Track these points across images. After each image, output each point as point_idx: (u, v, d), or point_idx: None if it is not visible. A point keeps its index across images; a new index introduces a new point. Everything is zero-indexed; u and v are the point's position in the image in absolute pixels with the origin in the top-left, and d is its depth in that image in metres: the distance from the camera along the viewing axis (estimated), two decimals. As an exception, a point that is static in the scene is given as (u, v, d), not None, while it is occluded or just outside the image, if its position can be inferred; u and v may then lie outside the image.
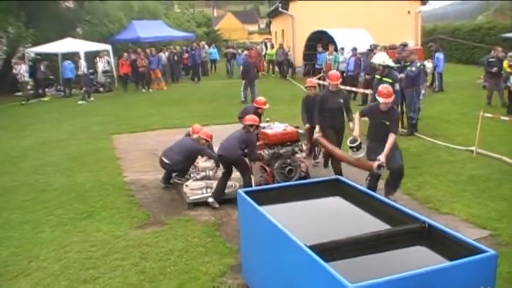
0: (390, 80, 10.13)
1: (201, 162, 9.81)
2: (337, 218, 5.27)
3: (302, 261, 3.96)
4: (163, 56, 27.72)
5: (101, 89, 25.52)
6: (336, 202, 5.60)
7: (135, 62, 25.14)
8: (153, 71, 25.50)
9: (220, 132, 10.31)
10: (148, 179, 10.10)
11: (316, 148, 10.63)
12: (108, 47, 27.37)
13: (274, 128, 9.54)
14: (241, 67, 22.60)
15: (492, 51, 18.74)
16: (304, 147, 9.71)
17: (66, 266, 6.50)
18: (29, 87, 24.29)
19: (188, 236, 7.29)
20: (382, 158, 7.30)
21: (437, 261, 3.92)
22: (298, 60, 28.38)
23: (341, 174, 8.77)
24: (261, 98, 10.47)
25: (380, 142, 7.52)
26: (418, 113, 13.02)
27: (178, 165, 9.28)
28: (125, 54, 26.05)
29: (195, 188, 8.84)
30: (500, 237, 6.86)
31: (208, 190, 8.73)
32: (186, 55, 29.80)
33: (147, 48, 26.64)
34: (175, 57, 28.66)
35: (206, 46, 33.16)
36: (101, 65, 26.39)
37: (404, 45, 16.43)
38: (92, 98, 22.54)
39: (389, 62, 10.83)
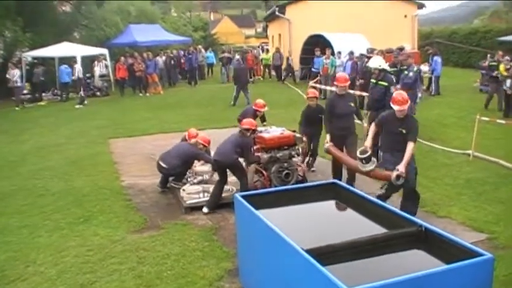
0: (386, 84, 10.13)
1: (198, 166, 9.81)
2: (334, 221, 5.29)
3: (299, 265, 3.97)
4: (160, 60, 27.74)
5: (98, 93, 25.56)
6: (332, 206, 5.63)
7: (132, 66, 25.14)
8: (150, 75, 25.51)
9: (217, 136, 10.32)
10: (146, 183, 10.10)
11: (310, 158, 10.49)
12: (105, 51, 27.39)
13: (271, 132, 9.53)
14: (233, 72, 22.64)
15: (488, 55, 18.85)
16: (301, 151, 9.70)
17: (63, 271, 6.48)
18: (25, 91, 24.30)
19: (185, 240, 7.28)
20: (401, 168, 6.86)
21: (434, 264, 3.94)
22: (295, 64, 28.37)
23: (353, 181, 8.79)
24: (260, 101, 10.48)
25: (397, 151, 7.12)
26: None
27: (176, 169, 9.28)
28: (122, 58, 26.02)
29: (192, 192, 8.83)
30: (497, 241, 6.87)
31: (205, 194, 8.71)
32: (182, 60, 29.80)
33: (144, 52, 26.70)
34: (172, 62, 28.67)
35: (203, 50, 33.19)
36: (98, 69, 26.37)
37: (401, 49, 16.45)
38: (85, 102, 22.42)
39: (385, 66, 10.84)
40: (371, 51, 19.73)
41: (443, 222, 7.48)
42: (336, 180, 6.02)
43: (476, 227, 7.35)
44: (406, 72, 12.77)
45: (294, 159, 9.35)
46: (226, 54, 30.59)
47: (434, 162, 10.82)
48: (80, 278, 6.27)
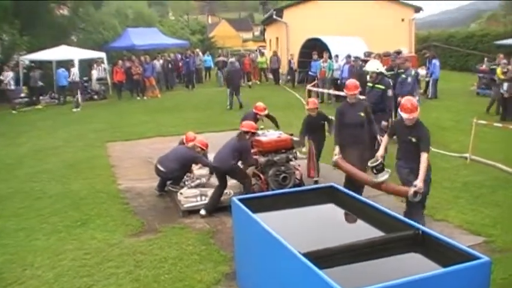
0: (382, 87, 10.14)
1: (196, 170, 9.81)
2: (331, 225, 5.28)
3: (296, 269, 3.97)
4: (158, 63, 27.74)
5: (95, 97, 25.49)
6: (330, 209, 5.62)
7: (129, 69, 25.14)
8: (148, 79, 25.49)
9: (215, 140, 10.32)
10: (143, 186, 10.09)
11: (312, 171, 10.07)
12: (103, 54, 27.38)
13: (269, 135, 9.53)
14: (225, 75, 22.66)
15: (486, 59, 18.92)
16: (299, 155, 9.68)
17: (61, 274, 6.47)
18: (23, 94, 24.26)
19: (182, 243, 7.28)
20: (418, 183, 6.47)
21: (431, 268, 3.93)
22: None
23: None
24: (260, 104, 10.47)
25: (411, 160, 6.85)
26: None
27: (174, 173, 9.27)
28: (120, 61, 26.03)
29: (189, 195, 8.82)
30: (495, 244, 6.88)
31: (203, 198, 8.72)
32: (180, 63, 29.81)
33: (142, 55, 26.68)
34: (170, 65, 28.67)
35: (201, 53, 33.21)
36: (95, 73, 26.36)
37: (398, 52, 16.48)
38: (79, 108, 22.28)
39: (382, 70, 10.86)
40: (368, 54, 19.77)
41: (440, 225, 7.48)
42: (333, 184, 6.01)
43: (473, 230, 7.36)
44: (403, 76, 12.78)
45: (291, 162, 9.35)
46: (221, 58, 30.61)
47: (432, 166, 10.76)
48: (77, 282, 6.26)
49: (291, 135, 9.72)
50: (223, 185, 8.63)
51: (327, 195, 5.77)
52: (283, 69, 29.46)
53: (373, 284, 3.42)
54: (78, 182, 10.63)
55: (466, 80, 24.99)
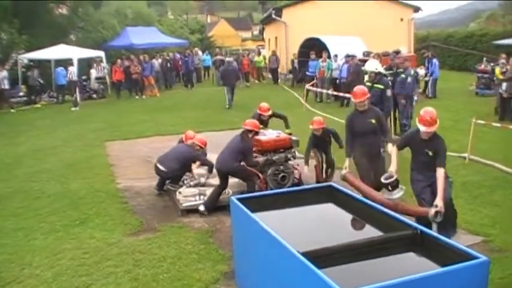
0: (382, 86, 10.14)
1: (195, 169, 9.81)
2: (330, 224, 5.28)
3: (295, 268, 3.97)
4: (157, 62, 27.73)
5: (94, 96, 25.47)
6: (329, 209, 5.62)
7: (128, 68, 25.10)
8: (147, 78, 25.51)
9: (214, 139, 10.33)
10: (142, 185, 10.08)
11: (329, 170, 9.72)
12: (102, 53, 27.35)
13: (268, 134, 9.53)
14: (221, 74, 22.72)
15: (484, 59, 18.92)
16: (297, 154, 9.65)
17: (59, 273, 6.47)
18: (21, 93, 24.23)
19: (181, 243, 7.27)
20: (439, 203, 6.02)
21: (429, 267, 3.93)
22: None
23: None
24: (264, 104, 10.44)
25: (427, 172, 6.52)
26: (410, 120, 13.06)
27: (174, 172, 9.26)
28: (119, 60, 26.00)
29: (188, 194, 8.82)
30: (493, 243, 6.88)
31: (202, 197, 8.71)
32: (179, 62, 29.81)
33: (141, 54, 26.64)
34: (169, 64, 28.66)
35: (200, 53, 33.17)
36: (94, 72, 26.34)
37: (397, 52, 16.49)
38: (77, 107, 22.27)
39: (381, 69, 10.86)
40: (367, 54, 19.78)
41: (439, 225, 7.48)
42: (332, 183, 6.01)
43: (472, 230, 7.36)
44: (403, 75, 12.79)
45: (290, 162, 9.35)
46: (219, 57, 30.62)
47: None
48: (75, 281, 6.26)
49: (290, 134, 9.73)
50: (223, 185, 8.63)
51: (326, 194, 5.77)
52: (282, 68, 29.45)
53: (372, 284, 3.42)
54: (77, 182, 10.63)
55: (465, 80, 24.98)
